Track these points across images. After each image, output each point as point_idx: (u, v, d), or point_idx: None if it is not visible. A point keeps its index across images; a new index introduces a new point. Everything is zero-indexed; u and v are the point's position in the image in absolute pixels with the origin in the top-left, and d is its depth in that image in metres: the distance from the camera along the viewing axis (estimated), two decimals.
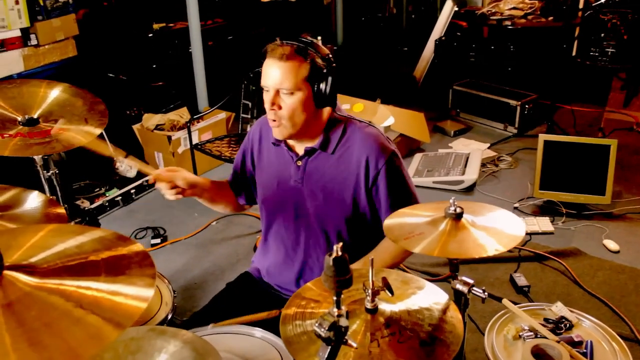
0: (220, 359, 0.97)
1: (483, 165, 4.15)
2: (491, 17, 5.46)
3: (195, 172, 3.91)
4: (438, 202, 1.35)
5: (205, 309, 1.98)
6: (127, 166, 4.02)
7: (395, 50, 7.10)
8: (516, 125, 4.69)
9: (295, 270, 1.86)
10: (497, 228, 1.24)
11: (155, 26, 5.16)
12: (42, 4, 3.86)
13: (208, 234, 3.58)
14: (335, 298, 0.91)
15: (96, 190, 3.81)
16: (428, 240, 1.20)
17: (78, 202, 3.65)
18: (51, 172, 2.21)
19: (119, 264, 0.88)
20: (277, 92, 1.61)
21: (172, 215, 3.77)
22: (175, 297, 1.96)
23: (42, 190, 2.15)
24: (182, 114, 4.37)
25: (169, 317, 1.85)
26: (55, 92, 2.07)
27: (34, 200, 1.94)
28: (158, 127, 4.21)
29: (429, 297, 1.20)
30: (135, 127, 4.28)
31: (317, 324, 0.89)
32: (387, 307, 1.16)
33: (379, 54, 6.74)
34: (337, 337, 0.88)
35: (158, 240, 3.44)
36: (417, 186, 3.85)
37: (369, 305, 1.11)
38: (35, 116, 1.97)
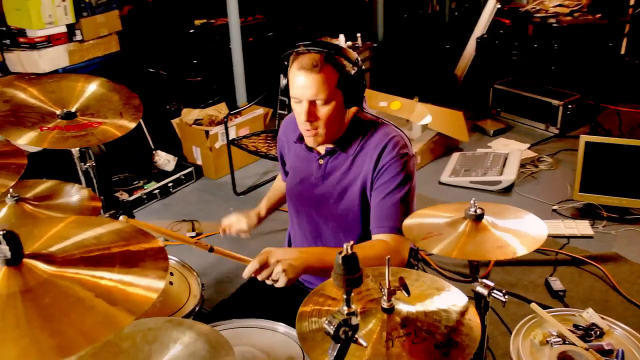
0: (233, 352, 0.98)
1: (522, 165, 4.06)
2: (535, 15, 5.33)
3: (231, 167, 3.96)
4: (460, 202, 1.33)
5: (230, 299, 2.02)
6: (165, 160, 4.11)
7: (437, 48, 7.01)
8: (558, 126, 4.57)
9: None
10: (519, 230, 1.21)
11: (197, 22, 5.23)
12: (87, 0, 3.97)
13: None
14: (345, 296, 0.90)
15: (135, 182, 3.90)
16: (447, 242, 1.18)
17: (117, 194, 3.74)
18: (88, 164, 2.26)
19: (133, 256, 0.90)
20: (312, 103, 1.59)
21: (208, 209, 3.83)
22: (204, 289, 1.99)
23: (79, 182, 2.22)
24: (220, 109, 4.43)
25: (197, 309, 1.88)
26: (92, 87, 2.12)
27: (71, 192, 2.02)
28: (196, 122, 4.28)
29: (448, 299, 1.19)
30: (174, 121, 4.36)
31: (326, 322, 0.89)
32: (404, 307, 1.15)
33: (420, 51, 6.66)
34: (346, 335, 0.88)
35: (193, 234, 3.50)
36: (453, 186, 3.87)
37: (385, 305, 1.11)
38: (73, 110, 2.02)
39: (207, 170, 4.26)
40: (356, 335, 0.90)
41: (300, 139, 1.77)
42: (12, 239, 0.83)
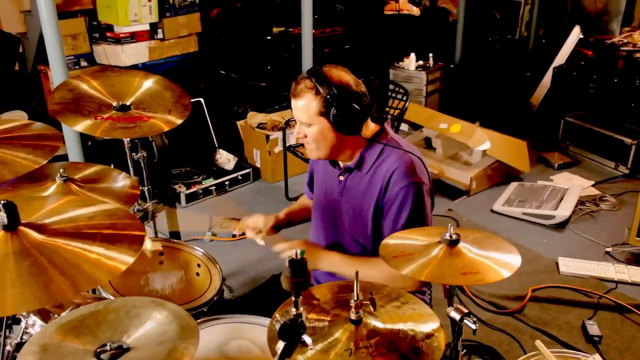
0: (197, 340, 1.06)
1: (582, 203, 3.92)
2: (621, 48, 5.12)
3: (285, 173, 4.09)
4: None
5: (247, 295, 2.12)
6: (226, 159, 4.29)
7: (516, 75, 6.85)
8: (628, 165, 4.37)
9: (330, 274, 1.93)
10: (492, 260, 1.21)
11: (275, 30, 5.42)
12: (171, 2, 4.25)
13: (288, 232, 3.72)
14: (293, 299, 0.97)
15: (194, 177, 4.10)
16: (416, 264, 1.21)
17: (175, 187, 3.95)
18: (139, 154, 2.44)
19: (114, 236, 1.01)
20: (302, 123, 1.75)
21: (259, 210, 3.89)
22: (224, 283, 2.10)
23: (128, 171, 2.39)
24: (284, 116, 4.57)
25: (214, 299, 1.98)
26: (148, 83, 2.29)
27: (117, 178, 2.17)
28: (260, 126, 4.44)
29: (420, 320, 1.22)
30: (240, 123, 4.55)
31: (275, 321, 0.96)
32: (374, 321, 1.19)
33: (497, 76, 6.54)
34: (292, 334, 0.94)
35: (239, 232, 3.63)
36: (504, 215, 3.79)
37: (353, 317, 1.16)
38: (128, 103, 2.20)
39: (265, 173, 4.41)
40: (303, 336, 0.96)
41: None
42: (10, 208, 0.96)
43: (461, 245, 1.24)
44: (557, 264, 3.29)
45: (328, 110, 1.67)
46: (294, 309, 0.96)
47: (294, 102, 1.73)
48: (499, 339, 2.72)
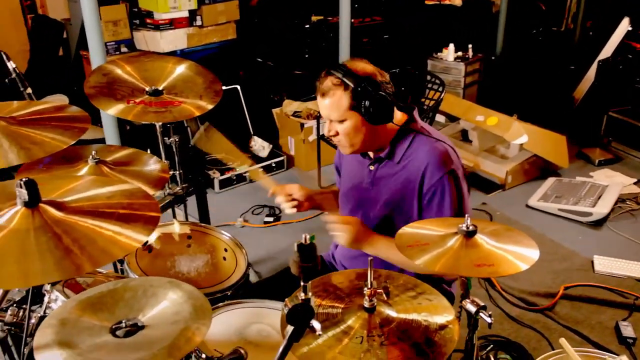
0: (209, 322, 1.08)
1: (622, 200, 3.80)
2: None
3: (318, 162, 4.09)
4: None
5: (275, 281, 2.14)
6: (260, 146, 4.32)
7: (560, 67, 6.67)
8: None
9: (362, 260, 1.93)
10: (510, 251, 1.19)
11: (314, 18, 5.41)
12: None
13: (319, 222, 3.74)
14: (302, 283, 0.97)
15: (229, 163, 4.15)
16: (431, 254, 1.20)
17: (210, 172, 4.01)
18: (172, 139, 2.48)
19: (130, 216, 1.03)
20: (331, 121, 1.73)
21: None
22: (249, 267, 2.12)
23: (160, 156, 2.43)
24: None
25: (239, 282, 2.01)
26: (181, 69, 2.33)
27: (148, 162, 2.21)
28: (295, 114, 4.45)
29: (435, 311, 1.21)
30: (275, 110, 4.57)
31: (284, 305, 0.96)
32: (388, 310, 1.19)
33: (540, 69, 6.37)
34: (300, 320, 0.95)
35: (271, 219, 3.67)
36: (540, 211, 3.71)
37: (366, 304, 1.15)
38: (160, 88, 2.24)
39: (298, 161, 4.42)
40: (311, 321, 0.96)
41: None
42: (30, 185, 0.99)
43: (478, 237, 1.22)
44: (592, 262, 3.21)
45: (359, 103, 1.66)
46: (302, 294, 0.97)
47: (322, 101, 1.71)
48: (527, 336, 2.68)
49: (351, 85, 1.65)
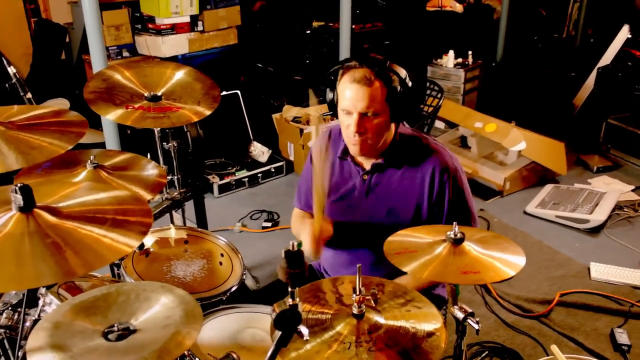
0: (200, 327, 1.10)
1: (619, 207, 3.81)
2: None
3: None
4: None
5: (272, 286, 2.15)
6: (260, 151, 4.35)
7: (560, 74, 6.69)
8: None
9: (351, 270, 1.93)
10: (497, 258, 1.20)
11: (315, 24, 5.43)
12: None
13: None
14: (289, 289, 0.99)
15: (228, 168, 4.17)
16: (420, 261, 1.21)
17: (209, 177, 4.03)
18: (170, 144, 2.50)
19: (122, 221, 1.05)
20: (362, 115, 1.65)
21: (289, 204, 3.96)
22: (245, 273, 2.13)
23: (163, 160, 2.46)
24: (320, 110, 4.59)
25: (233, 289, 2.02)
26: (179, 74, 2.35)
27: (146, 167, 2.23)
28: (295, 119, 4.47)
29: (424, 318, 1.22)
30: (275, 116, 4.59)
31: (272, 310, 0.98)
32: (376, 317, 1.20)
33: (540, 76, 6.39)
34: (288, 325, 0.96)
35: (269, 224, 3.69)
36: (537, 217, 3.72)
37: (355, 311, 1.17)
38: (159, 93, 2.26)
39: (298, 166, 4.44)
40: (299, 327, 0.98)
41: (344, 153, 1.84)
42: (25, 191, 1.01)
43: (466, 244, 1.24)
44: (588, 269, 3.22)
45: (392, 98, 1.64)
46: (290, 300, 0.98)
47: (362, 90, 1.61)
48: (522, 342, 2.69)
49: (390, 78, 1.62)
